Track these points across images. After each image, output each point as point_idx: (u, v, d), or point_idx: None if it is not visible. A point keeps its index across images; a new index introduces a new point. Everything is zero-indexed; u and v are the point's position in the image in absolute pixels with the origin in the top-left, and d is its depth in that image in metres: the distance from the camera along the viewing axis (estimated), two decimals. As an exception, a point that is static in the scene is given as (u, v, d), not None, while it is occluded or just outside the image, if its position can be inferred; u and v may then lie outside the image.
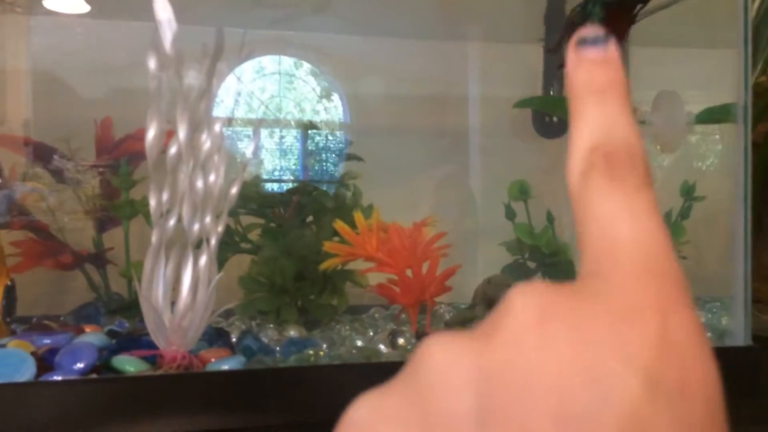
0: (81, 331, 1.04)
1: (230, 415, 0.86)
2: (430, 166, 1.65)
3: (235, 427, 0.86)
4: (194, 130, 0.91)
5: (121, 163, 1.19)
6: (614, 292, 0.22)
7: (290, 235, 1.28)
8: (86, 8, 1.41)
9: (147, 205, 1.20)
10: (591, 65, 0.27)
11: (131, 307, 1.16)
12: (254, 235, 1.32)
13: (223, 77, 0.95)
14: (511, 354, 0.22)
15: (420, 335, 1.10)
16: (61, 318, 1.30)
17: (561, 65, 1.03)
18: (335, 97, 1.61)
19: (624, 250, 0.23)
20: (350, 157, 1.33)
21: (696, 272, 1.46)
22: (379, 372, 0.90)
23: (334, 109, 1.60)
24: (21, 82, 1.48)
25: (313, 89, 1.58)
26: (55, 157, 1.26)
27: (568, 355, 0.21)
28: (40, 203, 1.27)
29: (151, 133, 0.89)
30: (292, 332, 1.20)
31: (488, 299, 1.10)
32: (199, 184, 0.91)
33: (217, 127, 0.92)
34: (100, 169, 1.27)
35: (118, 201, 1.21)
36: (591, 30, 0.27)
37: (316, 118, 1.54)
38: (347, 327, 1.22)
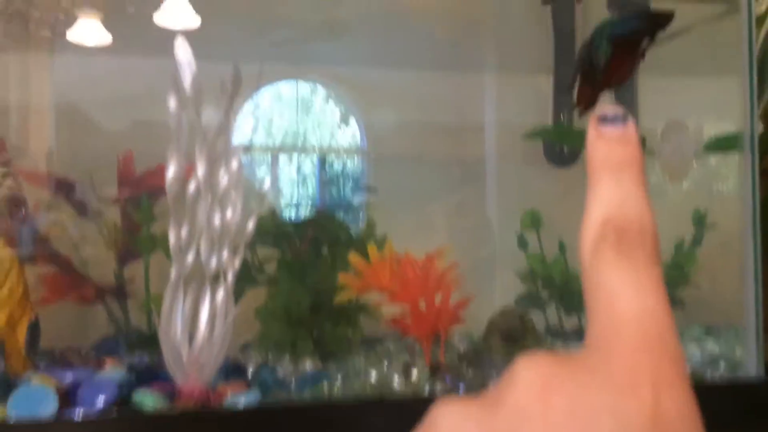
0: (102, 365, 1.06)
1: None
2: (444, 195, 1.66)
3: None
4: (212, 167, 0.94)
5: (142, 197, 1.22)
6: (614, 366, 0.24)
7: (305, 267, 1.30)
8: (108, 39, 1.42)
9: (167, 239, 1.24)
10: (610, 142, 0.28)
11: (151, 341, 1.18)
12: (270, 267, 1.35)
13: (240, 109, 0.98)
14: (515, 423, 0.24)
15: (434, 367, 1.11)
16: (83, 351, 1.33)
17: (569, 88, 1.05)
18: (352, 124, 1.64)
19: (626, 325, 0.25)
20: (365, 189, 1.35)
21: (710, 300, 1.46)
22: (390, 409, 0.92)
23: (350, 137, 1.63)
24: (45, 115, 1.52)
25: (331, 116, 1.61)
26: (78, 188, 1.30)
27: (569, 426, 0.23)
28: (62, 235, 1.30)
29: (171, 170, 0.93)
30: (308, 364, 1.22)
31: (502, 331, 1.11)
32: (217, 219, 0.94)
33: (234, 164, 0.95)
34: (121, 203, 1.31)
35: (139, 235, 1.24)
36: (611, 108, 0.29)
37: (333, 145, 1.57)
38: (362, 358, 1.24)
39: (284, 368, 1.15)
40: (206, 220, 0.93)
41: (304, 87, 1.65)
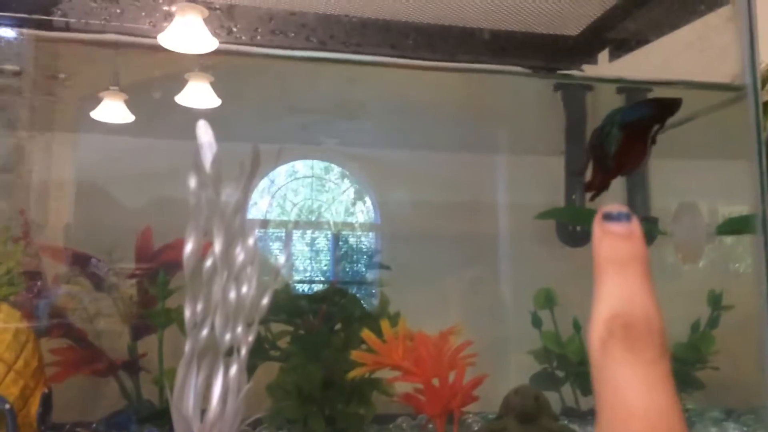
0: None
1: None
2: (458, 272, 1.67)
3: None
4: (229, 244, 0.96)
5: (159, 272, 1.24)
6: None
7: (318, 343, 1.30)
8: (131, 118, 1.47)
9: (182, 314, 1.25)
10: (615, 239, 0.29)
11: (162, 416, 1.17)
12: (283, 343, 1.35)
13: (256, 186, 1.01)
14: None
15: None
16: (93, 425, 1.32)
17: (580, 173, 1.07)
18: (366, 201, 1.67)
19: (635, 421, 0.25)
20: (379, 266, 1.37)
21: (730, 382, 1.44)
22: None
23: (365, 214, 1.66)
24: (65, 191, 1.56)
25: (346, 194, 1.65)
26: (93, 262, 1.32)
27: None
28: (77, 307, 1.31)
29: (189, 247, 0.95)
30: (319, 443, 1.20)
31: (517, 411, 1.09)
32: (232, 294, 0.95)
33: (251, 241, 0.97)
34: (138, 278, 1.33)
35: (154, 309, 1.25)
36: (615, 207, 0.31)
37: (348, 221, 1.59)
38: (376, 438, 1.22)
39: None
40: (222, 295, 0.94)
41: (319, 165, 1.69)
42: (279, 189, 1.59)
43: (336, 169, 1.69)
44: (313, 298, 1.34)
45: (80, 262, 1.31)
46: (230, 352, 0.95)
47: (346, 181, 1.68)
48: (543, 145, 1.69)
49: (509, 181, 1.78)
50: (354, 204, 1.65)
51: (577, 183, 1.51)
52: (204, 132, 0.96)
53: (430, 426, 1.24)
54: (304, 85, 1.57)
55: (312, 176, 1.65)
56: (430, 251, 1.69)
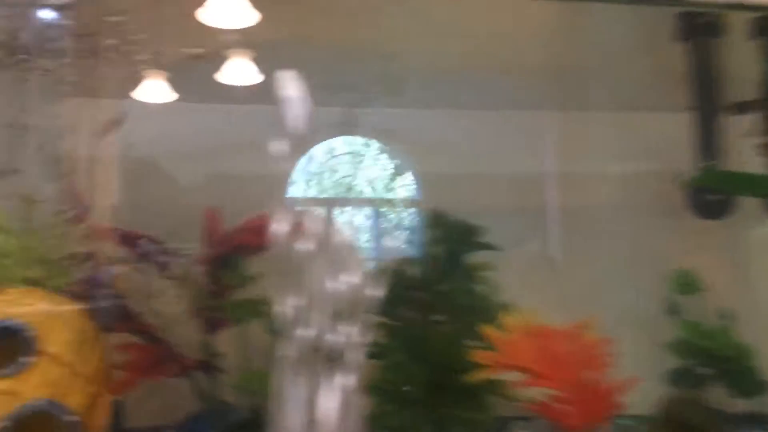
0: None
1: None
2: (555, 250, 1.47)
3: None
4: (326, 221, 0.77)
5: (234, 258, 1.06)
6: None
7: (421, 337, 1.11)
8: (173, 97, 1.35)
9: (263, 305, 1.07)
10: None
11: (250, 425, 1.00)
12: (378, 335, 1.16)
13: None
14: None
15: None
16: (165, 432, 1.16)
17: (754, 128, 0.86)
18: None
19: None
20: (482, 246, 1.16)
21: None
22: None
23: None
24: (113, 169, 1.40)
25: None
26: (141, 243, 1.15)
27: None
28: (144, 301, 1.15)
29: (278, 223, 0.76)
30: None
31: (678, 421, 0.89)
32: (334, 284, 0.76)
33: (351, 218, 0.78)
34: (209, 264, 1.15)
35: (230, 301, 1.07)
36: None
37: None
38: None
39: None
40: (321, 286, 0.75)
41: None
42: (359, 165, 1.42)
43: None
44: (412, 284, 1.14)
45: (131, 242, 1.14)
46: (337, 357, 0.77)
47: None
48: (659, 100, 1.46)
49: (611, 143, 1.54)
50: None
51: (711, 145, 1.28)
52: (289, 85, 0.77)
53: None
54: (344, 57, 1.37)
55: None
56: (529, 229, 1.49)
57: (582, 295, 1.42)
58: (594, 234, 1.49)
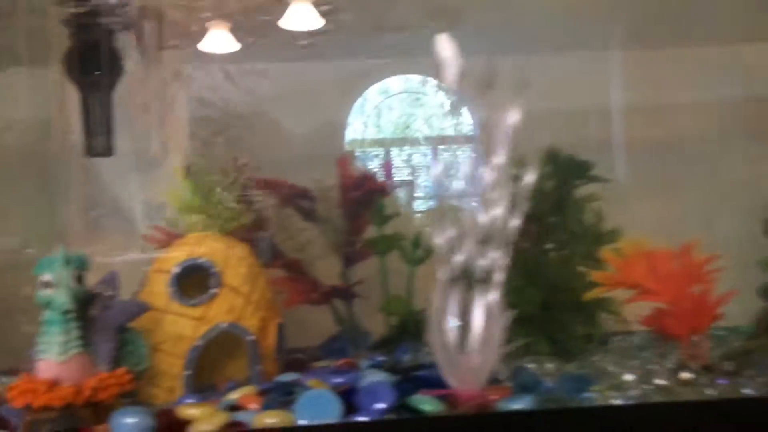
0: (352, 366, 1.06)
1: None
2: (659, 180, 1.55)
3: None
4: (476, 163, 0.91)
5: (376, 200, 1.21)
6: None
7: (535, 263, 1.24)
8: (237, 47, 1.36)
9: (400, 240, 1.22)
10: None
11: (390, 342, 1.17)
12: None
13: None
14: None
15: (707, 367, 1.02)
16: (309, 351, 1.34)
17: None
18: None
19: None
20: (592, 179, 1.27)
21: None
22: (683, 412, 0.84)
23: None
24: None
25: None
26: (305, 195, 1.31)
27: None
28: (292, 241, 1.32)
29: (437, 168, 0.90)
30: (548, 365, 1.16)
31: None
32: (485, 217, 0.90)
33: (499, 159, 0.91)
34: (347, 206, 1.31)
35: (374, 237, 1.23)
36: None
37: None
38: (607, 359, 1.16)
39: (536, 370, 1.10)
40: (473, 219, 0.89)
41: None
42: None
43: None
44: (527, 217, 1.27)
45: (294, 194, 1.30)
46: (485, 278, 0.91)
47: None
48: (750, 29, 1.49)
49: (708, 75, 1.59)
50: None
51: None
52: (446, 47, 0.89)
53: (666, 346, 1.16)
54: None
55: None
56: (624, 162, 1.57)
57: (685, 223, 1.52)
58: (692, 163, 1.57)
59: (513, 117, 0.90)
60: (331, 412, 0.85)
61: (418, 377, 0.95)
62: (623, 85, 1.62)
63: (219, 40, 1.33)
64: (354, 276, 1.33)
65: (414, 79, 1.59)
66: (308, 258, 1.33)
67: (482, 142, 0.90)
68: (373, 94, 1.56)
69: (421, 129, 1.51)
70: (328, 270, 1.35)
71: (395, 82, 1.59)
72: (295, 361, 1.24)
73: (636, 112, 1.61)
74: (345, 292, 1.32)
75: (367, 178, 1.31)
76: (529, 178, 0.92)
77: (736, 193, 1.52)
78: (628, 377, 1.07)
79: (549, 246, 1.29)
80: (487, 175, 0.91)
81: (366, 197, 1.30)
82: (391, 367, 1.04)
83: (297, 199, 1.30)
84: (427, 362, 1.05)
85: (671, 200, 1.53)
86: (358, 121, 1.52)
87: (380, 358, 1.21)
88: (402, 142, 1.55)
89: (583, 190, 1.31)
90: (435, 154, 1.50)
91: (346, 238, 1.31)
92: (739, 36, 1.56)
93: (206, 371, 1.13)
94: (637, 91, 1.62)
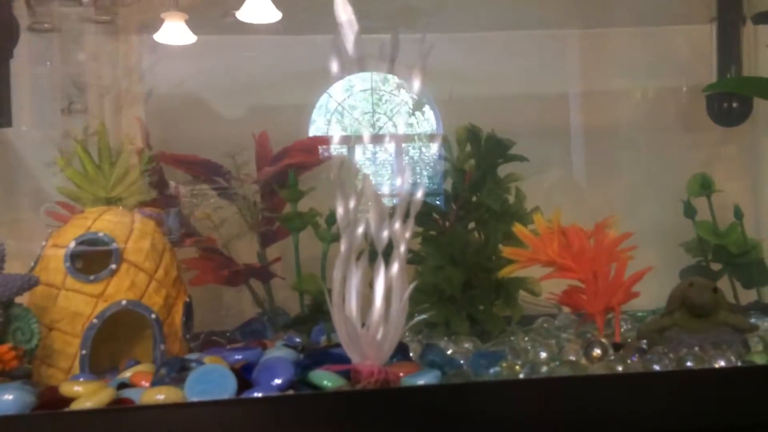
0: (263, 346, 1.02)
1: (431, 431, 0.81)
2: (586, 167, 1.55)
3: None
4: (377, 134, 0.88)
5: (289, 175, 1.17)
6: None
7: (456, 243, 1.22)
8: (193, 39, 1.37)
9: (315, 216, 1.19)
10: None
11: (304, 321, 1.13)
12: (413, 244, 1.27)
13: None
14: None
15: (617, 345, 1.01)
16: (228, 334, 1.30)
17: None
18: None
19: None
20: (511, 158, 1.26)
21: None
22: (590, 386, 0.83)
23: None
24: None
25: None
26: (218, 171, 1.27)
27: None
28: (205, 219, 1.28)
29: (336, 138, 0.87)
30: (466, 345, 1.14)
31: (691, 305, 1.00)
32: (386, 189, 0.87)
33: (398, 129, 0.88)
34: (262, 183, 1.27)
35: (287, 214, 1.19)
36: None
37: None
38: (525, 338, 1.15)
39: (447, 348, 1.08)
40: (374, 191, 0.86)
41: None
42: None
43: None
44: (447, 197, 1.25)
45: (207, 170, 1.25)
46: (388, 251, 0.88)
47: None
48: (678, 14, 1.50)
49: (634, 60, 1.59)
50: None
51: (733, 54, 1.33)
52: (343, 10, 0.86)
53: (579, 325, 1.16)
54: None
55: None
56: (550, 149, 1.56)
57: (607, 209, 1.51)
58: (617, 151, 1.57)
59: (416, 84, 0.87)
60: (224, 388, 0.81)
61: (322, 353, 0.91)
62: (556, 68, 1.61)
63: (175, 32, 1.32)
64: (271, 256, 1.30)
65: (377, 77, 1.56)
66: (224, 237, 1.28)
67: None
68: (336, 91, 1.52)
69: (383, 126, 1.48)
70: (245, 250, 1.31)
71: (358, 80, 1.55)
72: (211, 343, 1.20)
73: (567, 97, 1.61)
74: (261, 272, 1.28)
75: (287, 153, 1.27)
76: (433, 148, 0.89)
77: (663, 179, 1.53)
78: (542, 354, 1.05)
79: (470, 226, 1.27)
80: (391, 145, 0.88)
81: (284, 174, 1.26)
82: (305, 348, 1.00)
83: (210, 174, 1.26)
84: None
85: (600, 186, 1.53)
86: (321, 119, 1.48)
87: (297, 339, 1.18)
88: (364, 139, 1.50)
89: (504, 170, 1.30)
90: (398, 151, 1.44)
91: (263, 217, 1.27)
92: (669, 19, 1.57)
93: (110, 353, 1.08)
94: (570, 75, 1.62)
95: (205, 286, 1.26)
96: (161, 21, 1.33)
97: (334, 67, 0.86)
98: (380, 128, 1.35)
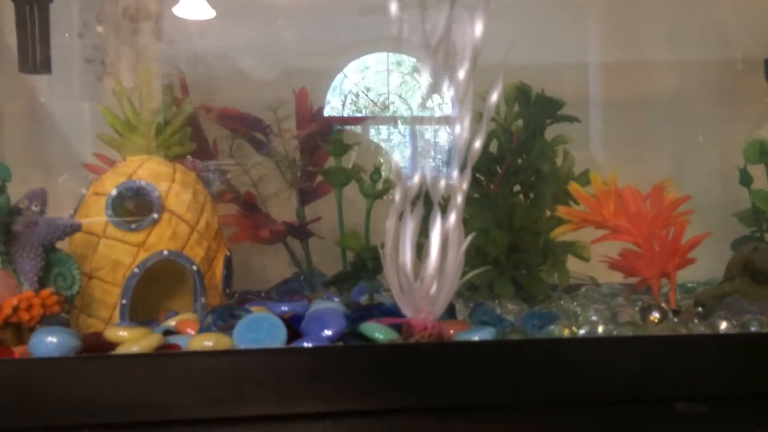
0: (308, 300, 1.00)
1: (486, 388, 0.78)
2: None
3: (492, 401, 0.78)
4: (438, 78, 0.84)
5: (333, 129, 1.14)
6: None
7: (502, 205, 1.18)
8: (212, 14, 1.35)
9: (359, 171, 1.15)
10: None
11: (346, 279, 1.10)
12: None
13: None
14: None
15: (676, 310, 0.97)
16: (263, 294, 1.27)
17: None
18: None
19: None
20: (562, 119, 1.21)
21: None
22: (645, 346, 0.79)
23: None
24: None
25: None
26: (258, 126, 1.23)
27: None
28: (243, 174, 1.25)
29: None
30: (512, 307, 1.11)
31: (754, 270, 0.95)
32: (444, 137, 0.84)
33: (461, 74, 0.84)
34: (303, 138, 1.23)
35: (330, 168, 1.16)
36: None
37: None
38: (573, 303, 1.11)
39: (497, 309, 1.05)
40: (432, 138, 0.83)
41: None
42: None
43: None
44: (494, 158, 1.20)
45: (248, 125, 1.22)
46: (445, 201, 0.85)
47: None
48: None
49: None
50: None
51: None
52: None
53: (630, 293, 1.12)
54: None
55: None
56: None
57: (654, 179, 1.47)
58: (663, 122, 1.52)
59: (477, 29, 0.83)
60: (274, 337, 0.78)
61: (373, 307, 0.89)
62: (598, 40, 1.56)
63: (194, 6, 1.30)
64: (312, 214, 1.27)
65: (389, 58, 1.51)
66: (263, 194, 1.25)
67: (441, 55, 0.83)
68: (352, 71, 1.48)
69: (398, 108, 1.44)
70: (283, 207, 1.28)
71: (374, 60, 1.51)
72: (248, 300, 1.18)
73: (610, 68, 1.56)
74: (300, 231, 1.25)
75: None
76: (494, 96, 0.85)
77: (709, 152, 1.48)
78: (594, 318, 1.02)
79: (517, 188, 1.23)
80: (448, 91, 0.84)
81: (325, 130, 1.22)
82: (350, 305, 0.97)
83: (249, 129, 1.22)
84: (386, 303, 1.00)
85: (644, 158, 1.48)
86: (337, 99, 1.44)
87: (335, 299, 1.15)
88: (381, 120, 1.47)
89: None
90: (413, 133, 1.40)
91: (303, 173, 1.24)
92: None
93: (149, 305, 1.06)
94: (612, 46, 1.57)
95: (239, 243, 1.24)
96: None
97: (393, 7, 0.82)
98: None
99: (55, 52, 1.26)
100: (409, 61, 1.42)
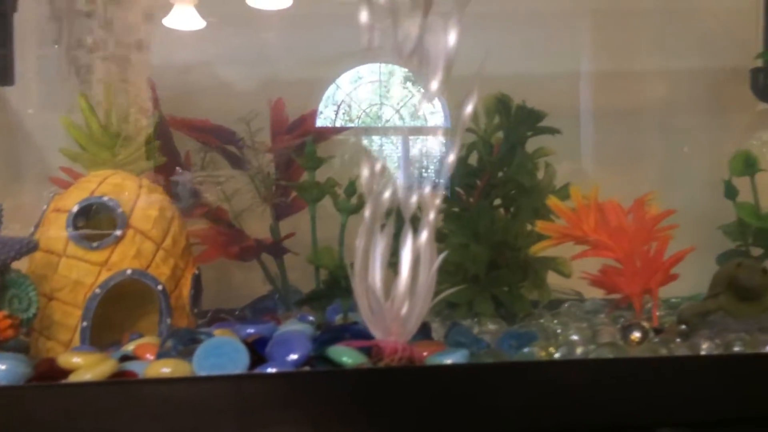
0: (277, 321, 0.96)
1: (458, 413, 0.74)
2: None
3: (464, 428, 0.74)
4: (409, 90, 0.81)
5: (306, 142, 1.10)
6: None
7: (481, 219, 1.15)
8: (202, 24, 1.32)
9: (334, 186, 1.12)
10: None
11: (320, 297, 1.06)
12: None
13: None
14: None
15: (657, 329, 0.94)
16: (236, 312, 1.23)
17: None
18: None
19: None
20: (542, 130, 1.18)
21: None
22: (629, 368, 0.76)
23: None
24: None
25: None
26: (231, 139, 1.20)
27: None
28: (215, 189, 1.21)
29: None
30: (491, 326, 1.07)
31: (739, 287, 0.92)
32: (417, 151, 0.80)
33: (433, 85, 0.81)
34: (277, 152, 1.20)
35: (304, 182, 1.12)
36: None
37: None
38: (554, 321, 1.08)
39: (471, 329, 1.01)
40: (405, 151, 0.79)
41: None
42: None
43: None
44: (473, 171, 1.17)
45: (221, 137, 1.18)
46: (416, 217, 0.81)
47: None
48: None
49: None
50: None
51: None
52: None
53: (609, 310, 1.09)
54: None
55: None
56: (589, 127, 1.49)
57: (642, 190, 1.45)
58: (650, 133, 1.50)
59: (452, 38, 0.79)
60: (235, 362, 0.74)
61: (342, 328, 0.85)
62: (587, 50, 1.54)
63: (184, 17, 1.28)
64: (290, 230, 1.23)
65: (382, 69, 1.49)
66: (235, 209, 1.22)
67: (415, 66, 0.80)
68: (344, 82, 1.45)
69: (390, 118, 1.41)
70: (260, 222, 1.24)
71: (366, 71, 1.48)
72: (219, 320, 1.14)
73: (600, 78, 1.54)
74: (274, 248, 1.21)
75: (303, 120, 1.20)
76: (468, 108, 0.81)
77: (696, 163, 1.46)
78: (574, 337, 0.98)
79: (496, 202, 1.19)
80: (421, 103, 0.80)
81: (301, 143, 1.18)
82: (321, 326, 0.94)
83: (222, 141, 1.19)
84: (360, 322, 0.96)
85: (630, 169, 1.46)
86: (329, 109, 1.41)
87: (310, 318, 1.11)
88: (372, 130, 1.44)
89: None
90: (405, 143, 1.38)
91: (278, 188, 1.20)
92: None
93: (115, 327, 1.02)
94: (600, 56, 1.55)
95: (215, 264, 1.20)
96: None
97: (363, 17, 0.79)
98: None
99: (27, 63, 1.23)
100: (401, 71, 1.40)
